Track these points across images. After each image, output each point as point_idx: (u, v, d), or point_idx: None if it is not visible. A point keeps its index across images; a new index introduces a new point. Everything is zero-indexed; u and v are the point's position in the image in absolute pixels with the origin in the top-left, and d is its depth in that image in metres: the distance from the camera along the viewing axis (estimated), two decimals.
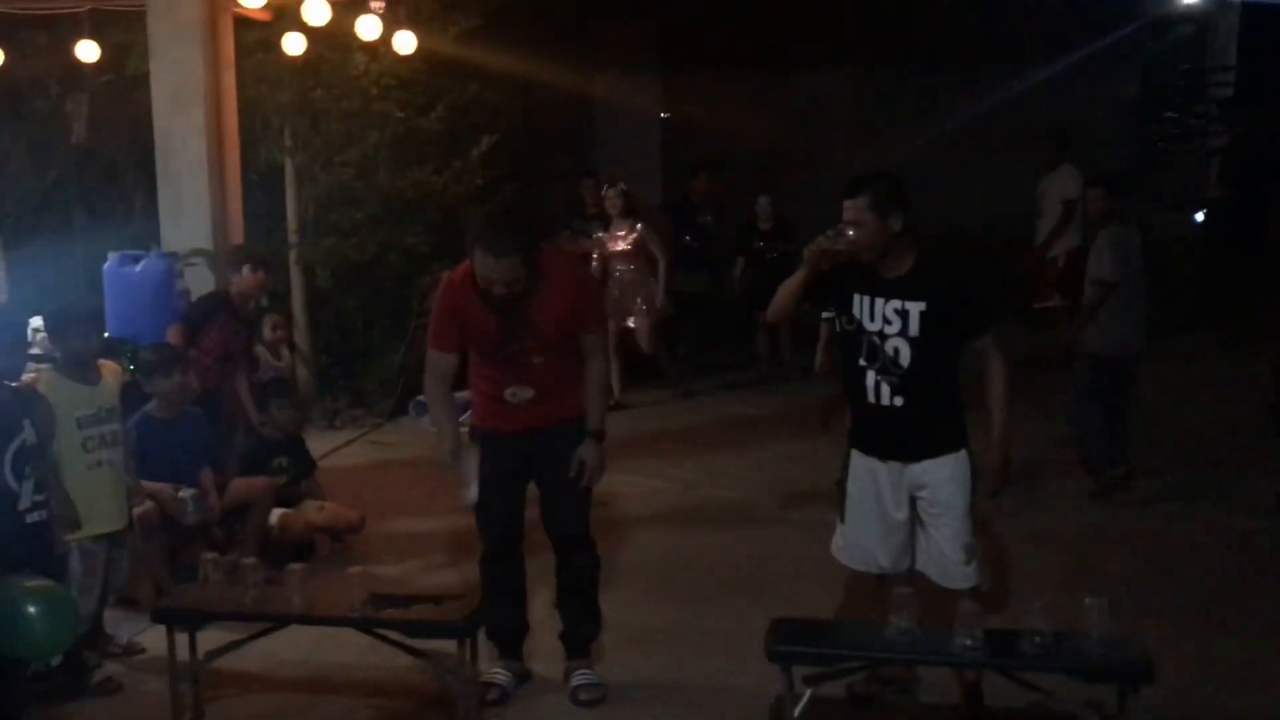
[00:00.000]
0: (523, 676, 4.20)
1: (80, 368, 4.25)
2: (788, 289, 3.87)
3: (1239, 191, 10.90)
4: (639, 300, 8.48)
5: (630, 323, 8.50)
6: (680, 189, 10.24)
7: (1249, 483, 6.30)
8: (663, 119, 11.86)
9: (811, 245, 3.76)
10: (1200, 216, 12.18)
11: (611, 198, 8.48)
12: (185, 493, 4.93)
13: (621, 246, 8.44)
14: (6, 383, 3.90)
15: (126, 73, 7.65)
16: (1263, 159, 10.79)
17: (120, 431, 4.35)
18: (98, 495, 4.22)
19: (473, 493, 3.94)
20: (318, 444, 6.50)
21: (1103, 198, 6.35)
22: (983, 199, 10.06)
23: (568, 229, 9.53)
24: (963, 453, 3.81)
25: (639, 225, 8.44)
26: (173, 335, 5.53)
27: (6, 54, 7.73)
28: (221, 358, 5.65)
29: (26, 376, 4.17)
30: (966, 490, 3.80)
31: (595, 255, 8.47)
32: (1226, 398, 8.07)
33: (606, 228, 8.58)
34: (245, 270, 5.67)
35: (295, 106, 8.10)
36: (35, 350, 4.80)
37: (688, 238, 9.96)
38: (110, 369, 4.40)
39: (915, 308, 3.69)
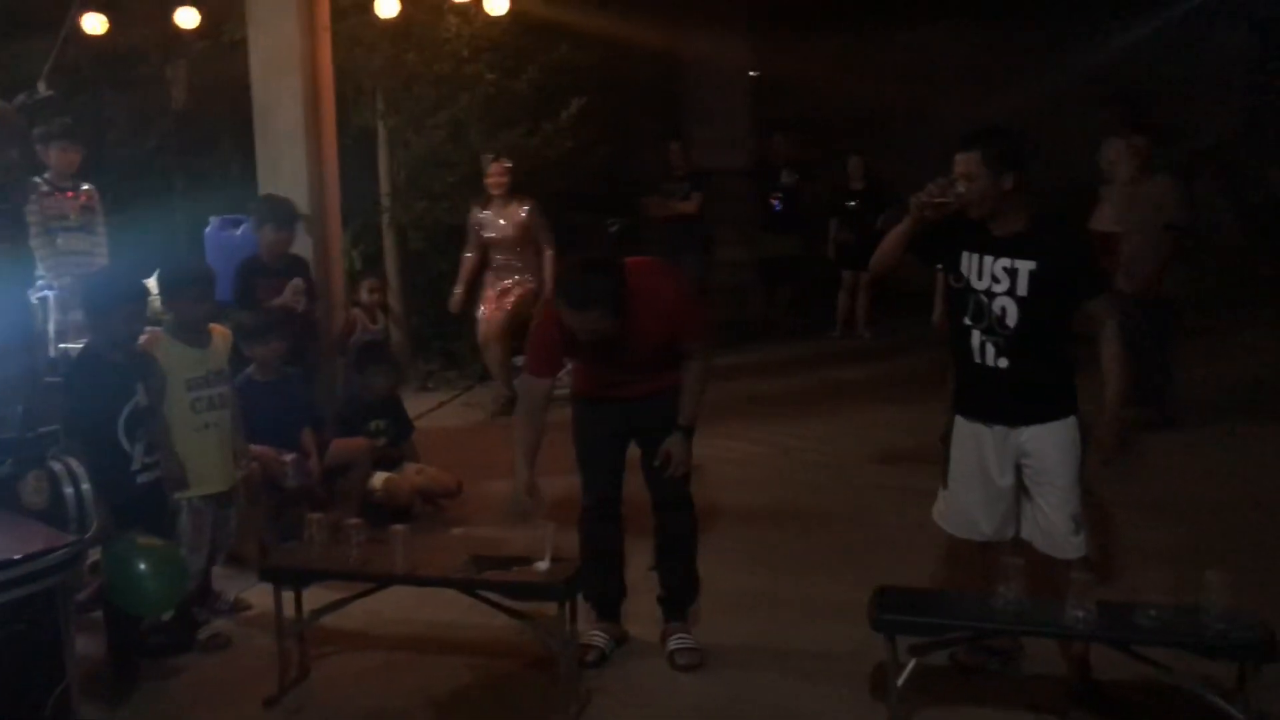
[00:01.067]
0: (620, 639, 4.21)
1: (191, 331, 4.34)
2: (892, 239, 3.77)
3: None
4: (514, 296, 7.38)
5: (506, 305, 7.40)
6: (760, 151, 10.11)
7: None
8: (752, 78, 11.66)
9: (919, 194, 3.66)
10: None
11: (496, 174, 7.30)
12: (287, 457, 5.02)
13: (505, 232, 7.35)
14: (122, 346, 4.00)
15: (224, 39, 7.76)
16: None
17: (228, 394, 4.43)
18: (205, 456, 4.31)
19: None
20: (411, 406, 6.57)
21: (1147, 146, 6.59)
22: (1085, 158, 9.73)
23: (657, 192, 9.49)
24: (1072, 419, 3.69)
25: (527, 207, 7.36)
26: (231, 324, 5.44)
27: (110, 22, 7.87)
28: (286, 315, 5.62)
29: (140, 339, 4.26)
30: (1075, 458, 3.68)
31: (470, 245, 7.47)
32: None
33: (485, 206, 7.42)
34: (268, 229, 5.65)
35: (388, 70, 8.14)
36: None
37: (773, 201, 9.85)
38: (220, 333, 4.48)
39: (1025, 267, 3.58)
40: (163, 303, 4.46)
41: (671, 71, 11.40)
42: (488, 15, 7.99)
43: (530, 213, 7.35)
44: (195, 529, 4.29)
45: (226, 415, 4.40)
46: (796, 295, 10.16)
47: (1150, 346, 6.41)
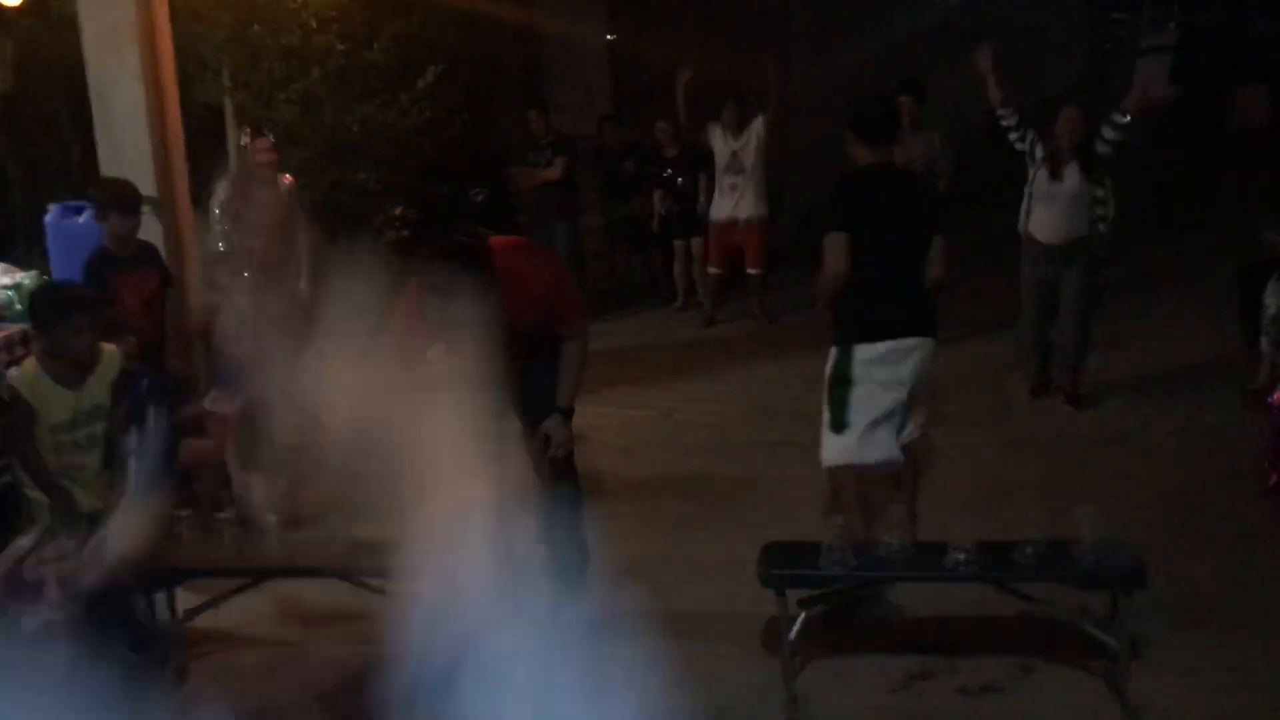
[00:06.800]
0: None
1: (65, 365, 3.77)
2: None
3: (1192, 90, 10.88)
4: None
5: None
6: (598, 139, 9.92)
7: (1215, 382, 6.36)
8: (610, 42, 11.57)
9: None
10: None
11: (264, 150, 6.47)
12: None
13: (272, 218, 6.28)
14: None
15: (53, 15, 7.32)
16: (1214, 57, 10.76)
17: (101, 431, 3.86)
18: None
19: None
20: None
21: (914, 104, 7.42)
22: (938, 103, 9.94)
23: (522, 163, 9.35)
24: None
25: (291, 186, 6.53)
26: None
27: None
28: (144, 306, 5.32)
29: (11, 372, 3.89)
30: None
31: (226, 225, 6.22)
32: (1187, 300, 8.14)
33: (245, 194, 6.27)
34: (113, 218, 5.30)
35: (232, 44, 7.81)
36: None
37: (626, 199, 9.72)
38: (108, 352, 3.92)
39: None
40: (33, 329, 3.90)
41: (531, 39, 11.24)
42: None
43: (293, 186, 6.51)
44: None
45: (95, 455, 3.84)
46: (667, 259, 10.08)
47: None
